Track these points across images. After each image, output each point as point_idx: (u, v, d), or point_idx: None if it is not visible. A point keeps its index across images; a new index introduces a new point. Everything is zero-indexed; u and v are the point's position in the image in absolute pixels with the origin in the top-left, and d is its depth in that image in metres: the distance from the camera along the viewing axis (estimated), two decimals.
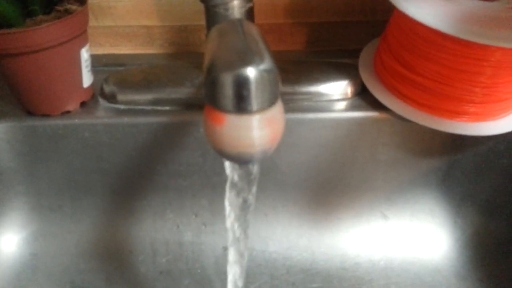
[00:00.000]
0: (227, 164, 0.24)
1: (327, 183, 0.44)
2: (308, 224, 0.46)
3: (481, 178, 0.42)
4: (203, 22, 0.38)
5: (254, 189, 0.24)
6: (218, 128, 0.21)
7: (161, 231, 0.46)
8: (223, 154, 0.23)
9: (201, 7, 0.37)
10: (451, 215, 0.45)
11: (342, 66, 0.43)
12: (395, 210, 0.45)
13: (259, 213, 0.45)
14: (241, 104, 0.21)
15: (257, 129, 0.22)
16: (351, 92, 0.41)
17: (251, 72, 0.20)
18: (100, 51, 0.50)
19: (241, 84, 0.20)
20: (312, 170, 0.43)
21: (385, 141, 0.41)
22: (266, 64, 0.21)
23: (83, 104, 0.41)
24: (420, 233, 0.45)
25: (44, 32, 0.34)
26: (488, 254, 0.42)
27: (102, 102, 0.42)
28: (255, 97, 0.21)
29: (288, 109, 0.40)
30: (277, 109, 0.23)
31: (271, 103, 0.22)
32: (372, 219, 0.45)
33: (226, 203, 0.25)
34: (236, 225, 0.26)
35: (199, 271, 0.44)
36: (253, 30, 0.24)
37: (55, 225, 0.45)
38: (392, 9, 0.37)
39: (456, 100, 0.37)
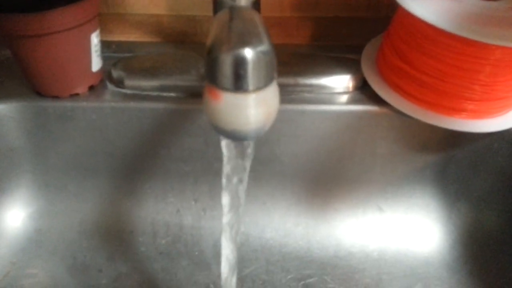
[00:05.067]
0: (223, 143, 0.25)
1: (325, 174, 0.45)
2: (305, 214, 0.47)
3: (477, 175, 0.43)
4: (211, 13, 0.39)
5: (248, 167, 0.25)
6: (216, 105, 0.23)
7: (162, 214, 0.47)
8: (219, 130, 0.24)
9: None
10: (445, 210, 0.45)
11: (345, 61, 0.44)
12: (391, 203, 0.46)
13: (257, 200, 0.47)
14: (238, 83, 0.22)
15: (252, 108, 0.23)
16: (352, 86, 0.42)
17: (248, 53, 0.22)
18: (110, 37, 0.51)
19: (239, 64, 0.22)
20: (311, 161, 0.44)
21: (383, 135, 0.42)
22: (264, 46, 0.22)
23: (91, 87, 0.43)
24: (414, 227, 0.46)
25: (56, 15, 0.36)
26: (479, 250, 0.43)
27: (110, 86, 0.43)
28: (251, 77, 0.22)
29: (290, 100, 0.41)
30: (272, 90, 0.24)
31: (266, 83, 0.23)
32: (368, 211, 0.46)
33: (223, 180, 0.26)
34: (230, 204, 0.27)
35: (197, 253, 0.45)
36: (254, 15, 0.25)
37: (60, 203, 0.47)
38: (396, 6, 0.38)
39: (455, 97, 0.37)
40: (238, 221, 0.29)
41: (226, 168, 0.26)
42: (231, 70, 0.22)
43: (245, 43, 0.22)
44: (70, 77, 0.41)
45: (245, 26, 0.24)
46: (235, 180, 0.26)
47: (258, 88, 0.23)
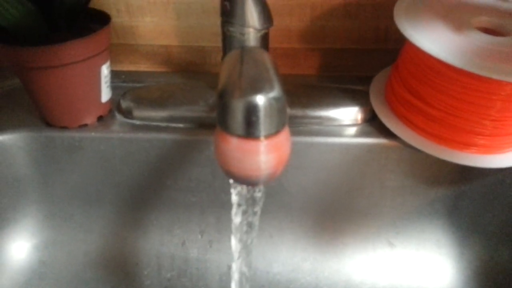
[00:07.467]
0: (233, 187, 0.25)
1: (333, 207, 0.44)
2: (313, 248, 0.46)
3: (488, 210, 0.42)
4: (219, 44, 0.40)
5: (258, 211, 0.25)
6: (227, 150, 0.23)
7: (168, 246, 0.46)
8: (231, 175, 0.24)
9: (218, 29, 0.39)
10: (457, 246, 0.44)
11: (353, 92, 0.44)
12: (401, 238, 0.45)
13: (264, 234, 0.46)
14: (250, 130, 0.22)
15: (264, 154, 0.23)
16: (361, 118, 0.42)
17: (260, 99, 0.22)
18: (119, 67, 0.51)
19: (251, 111, 0.22)
20: (319, 193, 0.43)
21: (393, 168, 0.41)
22: (275, 92, 0.22)
23: (100, 118, 0.43)
24: (426, 263, 0.45)
25: (68, 48, 0.36)
26: (493, 287, 0.42)
27: (118, 117, 0.43)
28: (263, 123, 0.22)
29: (298, 132, 0.41)
30: (284, 135, 0.24)
31: (278, 129, 0.23)
32: (378, 246, 0.45)
33: (232, 225, 0.26)
34: (240, 247, 0.26)
35: None
36: (265, 58, 0.25)
37: (65, 234, 0.46)
38: (404, 38, 0.38)
39: (465, 132, 0.37)
40: (249, 266, 0.28)
41: (236, 214, 0.25)
42: (242, 116, 0.22)
43: (257, 90, 0.22)
44: (79, 108, 0.41)
45: (256, 70, 0.24)
46: (244, 225, 0.26)
47: (270, 134, 0.23)
